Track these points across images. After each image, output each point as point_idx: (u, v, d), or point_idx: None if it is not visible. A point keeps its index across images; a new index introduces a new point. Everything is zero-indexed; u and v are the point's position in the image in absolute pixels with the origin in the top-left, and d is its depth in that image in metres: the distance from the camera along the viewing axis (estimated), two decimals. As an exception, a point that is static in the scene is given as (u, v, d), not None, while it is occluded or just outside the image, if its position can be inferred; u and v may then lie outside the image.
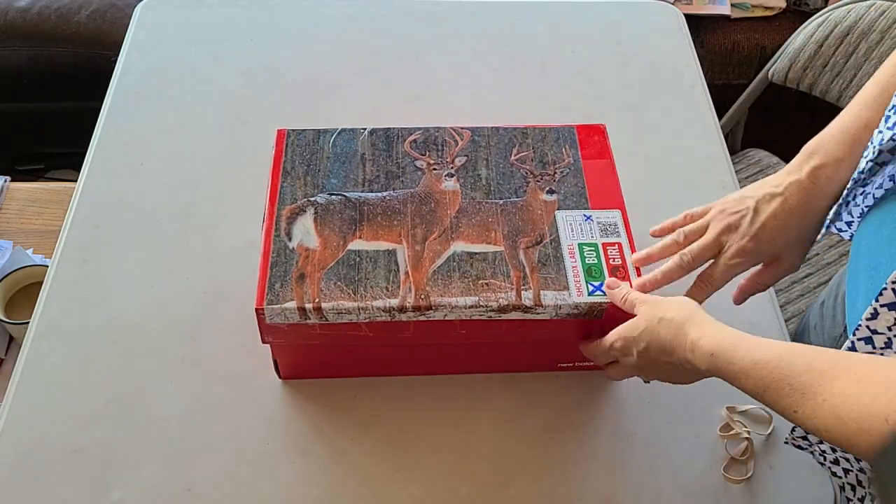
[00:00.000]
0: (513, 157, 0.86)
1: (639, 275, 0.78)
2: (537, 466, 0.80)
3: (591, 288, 0.76)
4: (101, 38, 1.57)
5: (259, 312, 0.74)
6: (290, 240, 0.78)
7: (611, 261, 0.78)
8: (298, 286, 0.74)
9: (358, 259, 0.77)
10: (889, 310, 0.58)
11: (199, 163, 1.02)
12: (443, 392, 0.84)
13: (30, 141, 1.80)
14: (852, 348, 0.62)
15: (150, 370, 0.84)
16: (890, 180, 0.66)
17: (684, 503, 0.79)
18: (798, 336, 0.91)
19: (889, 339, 0.59)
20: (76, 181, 1.00)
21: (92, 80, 1.29)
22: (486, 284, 0.76)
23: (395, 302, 0.74)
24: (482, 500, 0.78)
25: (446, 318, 0.75)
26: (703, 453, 0.81)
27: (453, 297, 0.75)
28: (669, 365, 0.69)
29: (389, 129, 0.88)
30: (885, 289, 0.58)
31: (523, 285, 0.76)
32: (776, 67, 1.41)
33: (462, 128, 0.89)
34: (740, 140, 1.61)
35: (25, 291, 1.24)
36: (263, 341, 0.77)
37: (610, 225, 0.81)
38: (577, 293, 0.76)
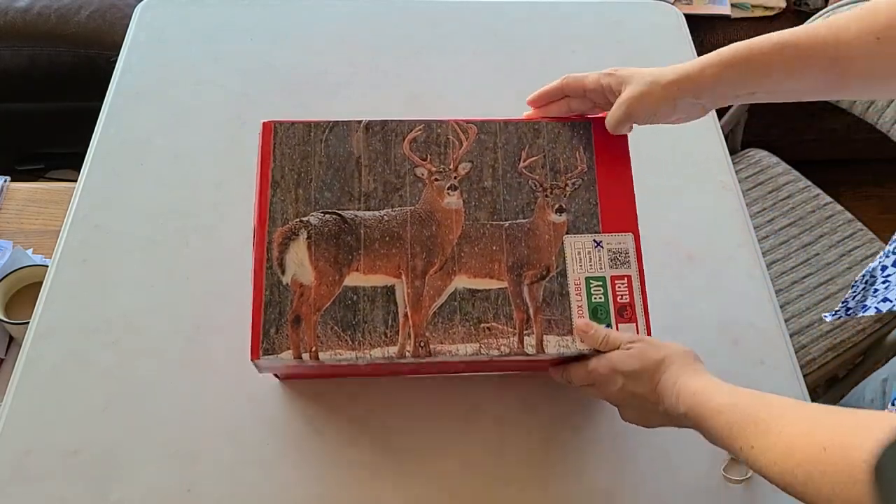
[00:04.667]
0: (521, 165, 0.80)
1: (646, 314, 0.76)
2: (537, 466, 0.80)
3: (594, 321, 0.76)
4: (101, 38, 1.57)
5: (255, 363, 0.73)
6: (283, 273, 0.75)
7: (618, 298, 0.76)
8: (294, 331, 0.73)
9: (355, 298, 0.74)
10: None
11: (199, 163, 1.02)
12: (443, 392, 0.84)
13: (30, 141, 1.80)
14: None
15: (150, 370, 0.84)
16: None
17: (684, 503, 0.79)
18: (848, 405, 0.90)
19: None
20: (76, 181, 1.00)
21: (92, 80, 1.29)
22: (488, 329, 0.74)
23: (394, 350, 0.73)
24: (482, 501, 0.78)
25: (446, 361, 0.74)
26: (703, 453, 0.81)
27: (454, 344, 0.73)
28: (648, 404, 0.70)
29: (386, 122, 0.82)
30: None
31: (526, 330, 0.74)
32: (776, 67, 1.40)
33: (468, 121, 0.83)
34: (740, 140, 1.61)
35: (25, 291, 1.24)
36: (260, 372, 0.77)
37: (621, 253, 0.78)
38: (581, 340, 0.75)
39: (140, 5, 1.22)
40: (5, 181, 1.39)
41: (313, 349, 0.72)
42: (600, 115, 0.82)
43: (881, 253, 0.84)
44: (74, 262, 0.92)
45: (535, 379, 0.85)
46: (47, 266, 1.02)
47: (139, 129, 1.05)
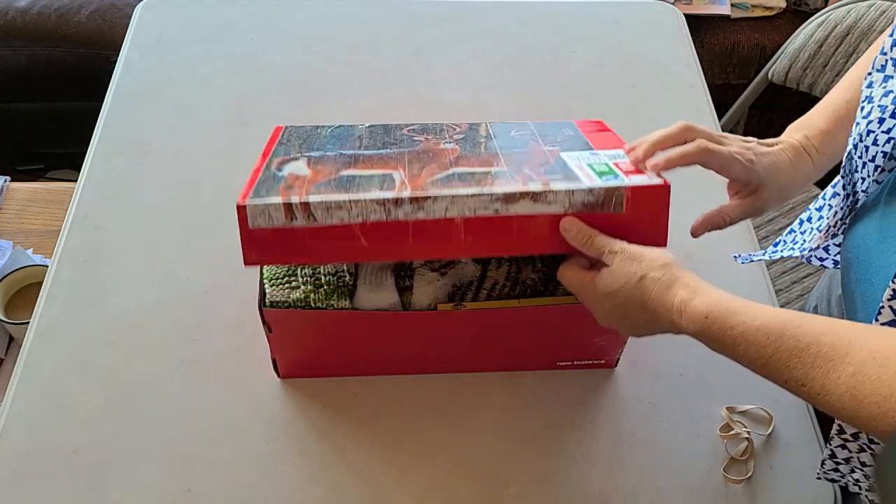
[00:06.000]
0: (512, 133, 0.82)
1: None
2: (537, 466, 0.80)
3: (605, 179, 0.70)
4: (101, 38, 1.57)
5: (241, 211, 0.68)
6: (280, 172, 0.74)
7: (622, 166, 0.72)
8: (286, 190, 0.69)
9: (352, 178, 0.72)
10: None
11: (199, 163, 1.02)
12: (443, 392, 0.84)
13: (30, 141, 1.81)
14: None
15: (150, 370, 0.84)
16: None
17: (684, 503, 0.79)
18: None
19: None
20: (76, 181, 1.00)
21: (92, 80, 1.29)
22: (490, 181, 0.70)
23: (390, 194, 0.68)
24: (482, 500, 0.78)
25: (447, 216, 0.69)
26: (703, 453, 0.81)
27: (453, 188, 0.69)
28: (644, 322, 0.66)
29: (388, 124, 0.86)
30: None
31: (530, 180, 0.70)
32: (776, 67, 1.41)
33: (459, 124, 0.87)
34: (740, 140, 1.61)
35: (25, 291, 1.24)
36: (246, 262, 0.70)
37: (616, 155, 0.75)
38: (590, 182, 0.69)
39: (140, 5, 1.22)
40: (5, 181, 1.39)
41: (304, 197, 0.68)
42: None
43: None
44: (74, 262, 0.92)
45: (535, 379, 0.85)
46: (47, 266, 1.02)
47: (139, 129, 1.05)
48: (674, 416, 0.84)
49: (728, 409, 0.83)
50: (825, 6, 1.61)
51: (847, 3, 1.31)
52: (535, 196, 0.68)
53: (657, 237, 0.71)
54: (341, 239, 0.69)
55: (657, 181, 0.69)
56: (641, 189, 0.69)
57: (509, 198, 0.68)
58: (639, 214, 0.69)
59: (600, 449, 0.81)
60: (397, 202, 0.68)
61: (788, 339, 0.55)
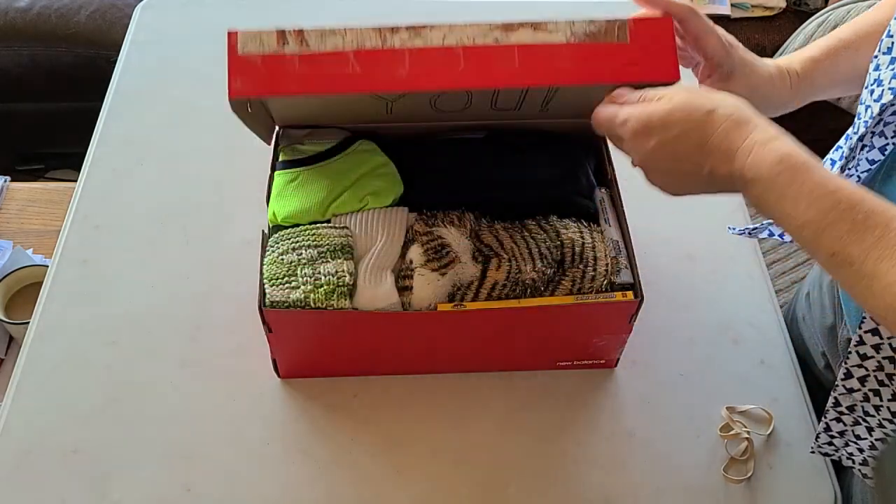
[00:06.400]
0: None
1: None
2: (537, 466, 0.80)
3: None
4: (101, 38, 1.57)
5: (231, 38, 0.66)
6: None
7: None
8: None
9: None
10: None
11: (199, 163, 1.02)
12: (443, 392, 0.84)
13: (30, 141, 1.81)
14: (860, 342, 0.62)
15: (150, 370, 0.84)
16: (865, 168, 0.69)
17: (684, 503, 0.79)
18: (788, 328, 0.91)
19: None
20: (76, 181, 1.00)
21: (92, 80, 1.29)
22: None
23: (388, 24, 0.67)
24: (482, 500, 0.78)
25: (446, 44, 0.67)
26: (703, 453, 0.81)
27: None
28: (689, 168, 0.60)
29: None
30: None
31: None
32: (776, 67, 1.41)
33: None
34: (740, 140, 1.61)
35: (25, 291, 1.24)
36: (231, 92, 0.67)
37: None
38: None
39: (140, 5, 1.22)
40: (5, 181, 1.39)
41: (297, 27, 0.66)
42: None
43: None
44: (74, 262, 0.92)
45: (535, 379, 0.85)
46: (47, 266, 1.02)
47: (139, 129, 1.05)
48: (674, 416, 0.84)
49: (728, 409, 0.83)
50: (825, 6, 1.61)
51: (847, 3, 1.31)
52: (535, 25, 0.67)
53: (668, 70, 0.68)
54: (333, 65, 0.67)
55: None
56: (643, 19, 0.68)
57: (508, 26, 0.67)
58: (644, 46, 0.67)
59: (600, 449, 0.81)
60: (394, 30, 0.68)
61: (858, 213, 0.51)
